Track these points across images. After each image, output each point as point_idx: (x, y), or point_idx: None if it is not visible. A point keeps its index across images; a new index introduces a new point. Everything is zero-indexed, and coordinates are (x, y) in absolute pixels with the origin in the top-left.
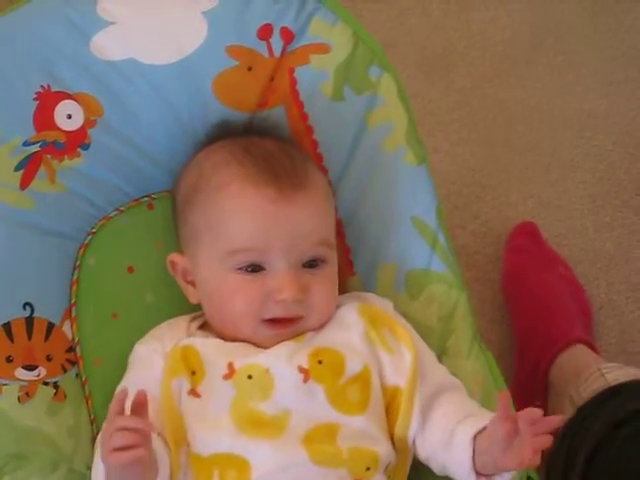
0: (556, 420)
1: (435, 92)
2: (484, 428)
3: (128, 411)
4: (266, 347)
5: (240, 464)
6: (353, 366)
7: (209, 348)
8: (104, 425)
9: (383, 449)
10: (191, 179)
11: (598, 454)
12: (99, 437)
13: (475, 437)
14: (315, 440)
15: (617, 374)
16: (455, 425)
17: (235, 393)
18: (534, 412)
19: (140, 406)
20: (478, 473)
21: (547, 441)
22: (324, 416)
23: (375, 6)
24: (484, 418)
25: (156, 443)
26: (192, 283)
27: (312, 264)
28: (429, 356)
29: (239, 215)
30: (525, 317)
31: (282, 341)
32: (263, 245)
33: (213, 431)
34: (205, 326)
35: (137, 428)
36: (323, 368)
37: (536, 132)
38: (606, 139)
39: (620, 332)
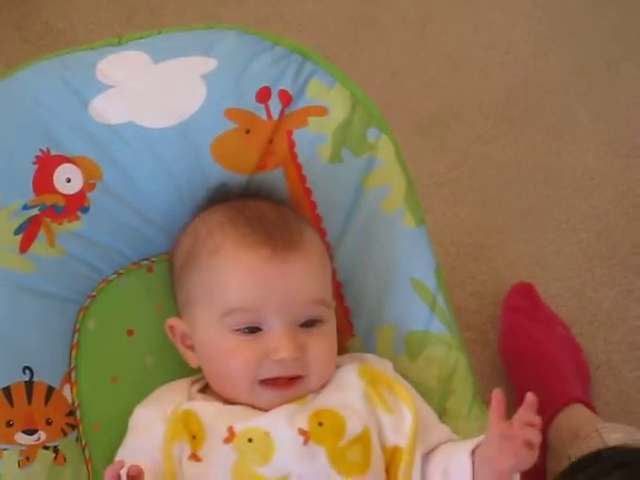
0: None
1: (431, 153)
2: (478, 446)
3: None
4: (266, 410)
5: None
6: (353, 427)
7: (209, 412)
8: None
9: None
10: (187, 244)
11: None
12: None
13: (473, 453)
14: None
15: (615, 434)
16: (451, 453)
17: (236, 457)
18: (525, 410)
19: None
20: None
21: (535, 433)
22: (325, 478)
23: (369, 68)
24: (479, 438)
25: None
26: (191, 347)
27: (309, 324)
28: (430, 416)
29: (233, 275)
30: (523, 377)
31: (282, 403)
32: (258, 304)
33: None
34: (206, 389)
35: None
36: (323, 430)
37: (532, 192)
38: (602, 199)
39: (618, 392)
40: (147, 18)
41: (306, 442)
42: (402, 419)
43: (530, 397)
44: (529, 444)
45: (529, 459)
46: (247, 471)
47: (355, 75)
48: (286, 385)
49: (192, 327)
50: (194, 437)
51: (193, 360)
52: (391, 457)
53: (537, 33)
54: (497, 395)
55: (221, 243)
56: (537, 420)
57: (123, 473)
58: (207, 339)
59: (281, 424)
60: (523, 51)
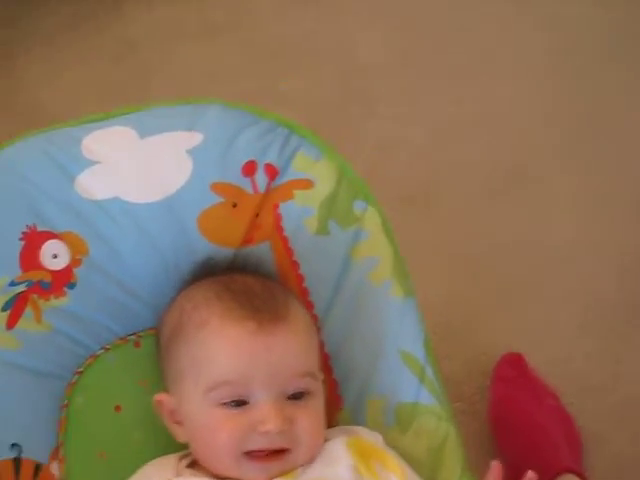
0: None
1: (417, 224)
2: None
3: None
4: None
5: None
6: None
7: None
8: None
9: None
10: (173, 319)
11: None
12: None
13: None
14: None
15: None
16: None
17: None
18: None
19: None
20: None
21: None
22: None
23: (356, 139)
24: None
25: None
26: (179, 423)
27: (297, 396)
28: None
29: (219, 349)
30: (513, 448)
31: (271, 477)
32: (244, 377)
33: None
34: (194, 465)
35: None
36: None
37: (521, 263)
38: (592, 268)
39: (610, 462)
40: (134, 93)
41: None
42: None
43: (530, 475)
44: None
45: None
46: None
47: (341, 147)
48: (273, 458)
49: (179, 402)
50: None
51: (181, 435)
52: None
53: (519, 104)
54: (496, 468)
55: (207, 318)
56: None
57: None
58: (194, 413)
59: None
60: (507, 124)
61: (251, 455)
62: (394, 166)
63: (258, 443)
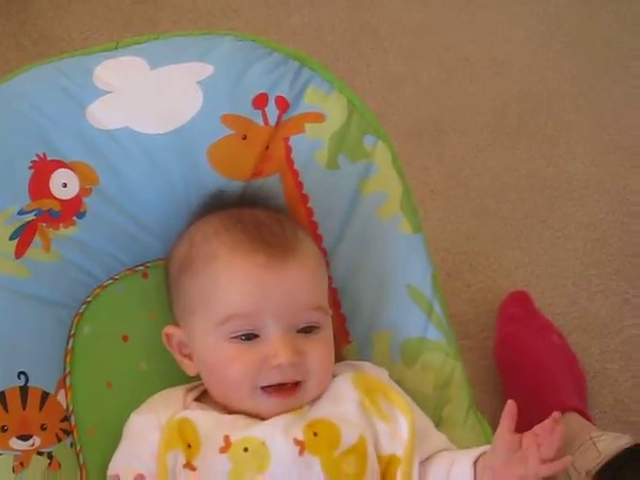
0: (558, 434)
1: (426, 161)
2: (483, 453)
3: None
4: (266, 418)
5: None
6: (349, 437)
7: (205, 421)
8: None
9: None
10: (182, 251)
11: None
12: None
13: (475, 463)
14: None
15: (609, 443)
16: (452, 461)
17: (231, 466)
18: (540, 429)
19: None
20: None
21: (551, 451)
22: None
23: (366, 75)
24: (481, 448)
25: None
26: (188, 356)
27: (307, 330)
28: (427, 423)
29: (230, 283)
30: (518, 386)
31: (284, 411)
32: (255, 311)
33: None
34: (201, 398)
35: None
36: (319, 440)
37: (528, 201)
38: (598, 207)
39: (614, 401)
40: (143, 26)
41: (301, 452)
42: (398, 428)
43: (555, 415)
44: (543, 460)
45: (540, 472)
46: None
47: (351, 83)
48: (287, 391)
49: (189, 335)
50: (189, 446)
51: (191, 369)
52: (387, 466)
53: (534, 43)
54: (510, 407)
55: (217, 250)
56: (554, 441)
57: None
58: (205, 347)
59: (277, 434)
60: (519, 61)
61: (266, 390)
62: (403, 102)
63: (271, 378)
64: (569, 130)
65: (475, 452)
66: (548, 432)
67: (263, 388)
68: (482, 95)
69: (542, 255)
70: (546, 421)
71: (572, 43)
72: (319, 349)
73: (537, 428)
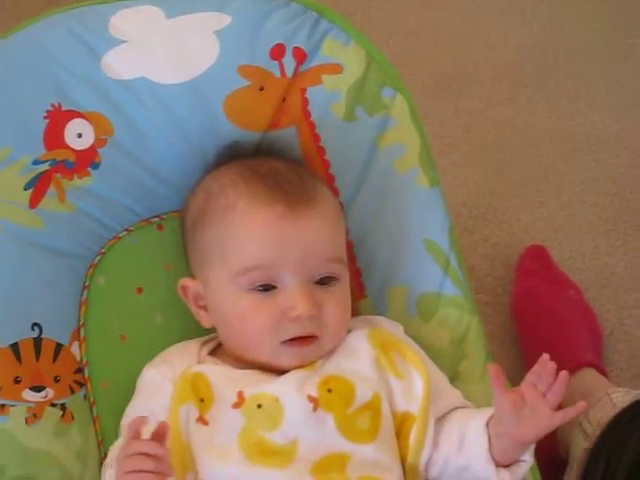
0: (563, 375)
1: (444, 114)
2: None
3: (146, 436)
4: (281, 371)
5: None
6: (363, 394)
7: (219, 376)
8: (117, 443)
9: (393, 477)
10: (199, 202)
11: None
12: (106, 460)
13: (487, 425)
14: (324, 469)
15: (625, 399)
16: (466, 424)
17: (244, 422)
18: (533, 375)
19: (160, 437)
20: (497, 464)
21: (559, 393)
22: (334, 445)
23: (384, 27)
24: (492, 409)
25: None
26: (204, 308)
27: (324, 281)
28: (442, 380)
29: (248, 233)
30: (534, 340)
31: (301, 362)
32: (273, 262)
33: (221, 459)
34: (215, 352)
35: (156, 454)
36: (332, 397)
37: (546, 155)
38: (617, 162)
39: (630, 357)
40: None
41: (315, 409)
42: (412, 385)
43: (544, 357)
44: (554, 407)
45: (554, 421)
46: (255, 436)
47: (369, 35)
48: (305, 343)
49: (205, 287)
50: (202, 400)
51: (206, 320)
52: (401, 423)
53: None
54: (493, 369)
55: (234, 201)
56: (556, 387)
57: (146, 430)
58: (222, 299)
59: (291, 390)
60: (540, 15)
61: (285, 342)
62: (421, 55)
63: (291, 331)
64: (589, 85)
65: (487, 413)
66: (546, 376)
67: (283, 342)
68: (501, 48)
69: (560, 210)
70: (535, 366)
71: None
72: (336, 302)
73: (529, 376)
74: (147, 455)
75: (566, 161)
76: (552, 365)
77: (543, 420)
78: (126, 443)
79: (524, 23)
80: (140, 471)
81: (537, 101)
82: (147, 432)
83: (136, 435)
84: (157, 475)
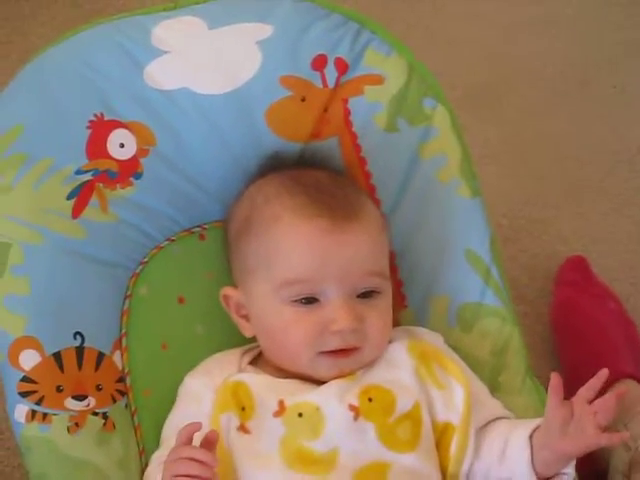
0: (613, 398)
1: (484, 124)
2: (538, 427)
3: (196, 443)
4: (322, 380)
5: None
6: (404, 404)
7: (260, 385)
8: (157, 453)
9: None
10: (243, 212)
11: None
12: (147, 469)
13: (531, 437)
14: (365, 478)
15: None
16: (508, 435)
17: (285, 431)
18: (588, 391)
19: (210, 444)
20: (539, 476)
21: (610, 415)
22: (374, 454)
23: (424, 36)
24: (536, 420)
25: None
26: (246, 317)
27: (366, 295)
28: (482, 390)
29: (292, 247)
30: (574, 352)
31: (340, 373)
32: (317, 276)
33: (263, 468)
34: (256, 361)
35: (205, 462)
36: (373, 406)
37: (587, 166)
38: None
39: None
40: None
41: (356, 418)
42: (453, 395)
43: (604, 372)
44: (600, 427)
45: (599, 441)
46: (296, 445)
47: (409, 44)
48: (345, 354)
49: (248, 297)
50: (243, 409)
51: (248, 330)
52: (442, 434)
53: (593, 7)
54: (555, 378)
55: (280, 213)
56: (610, 408)
57: (197, 436)
58: (264, 310)
59: (332, 399)
60: (578, 24)
61: (324, 353)
62: (461, 64)
63: (331, 343)
64: (630, 96)
65: (531, 424)
66: (603, 399)
67: (322, 353)
68: (542, 58)
69: (599, 221)
70: (592, 379)
71: (630, 8)
72: (378, 315)
73: (583, 391)
74: (196, 460)
75: (606, 172)
76: (618, 393)
77: (589, 438)
78: (176, 447)
79: (565, 33)
80: (187, 476)
81: (577, 111)
82: (197, 438)
83: (188, 441)
84: None
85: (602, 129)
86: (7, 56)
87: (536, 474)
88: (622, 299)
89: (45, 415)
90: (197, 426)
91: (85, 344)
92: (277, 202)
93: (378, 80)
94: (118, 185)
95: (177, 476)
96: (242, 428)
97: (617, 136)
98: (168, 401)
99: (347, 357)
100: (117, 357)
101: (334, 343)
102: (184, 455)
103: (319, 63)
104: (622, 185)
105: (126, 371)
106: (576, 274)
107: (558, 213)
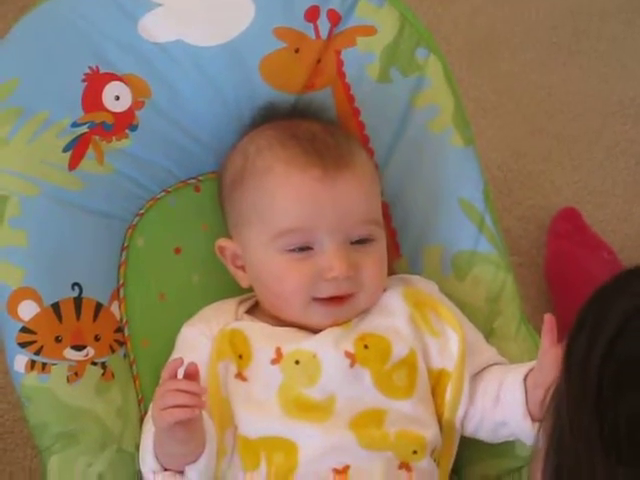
0: None
1: (478, 78)
2: (531, 370)
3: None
4: (316, 329)
5: (288, 446)
6: (399, 350)
7: (257, 333)
8: (157, 389)
9: (430, 433)
10: (236, 164)
11: (622, 336)
12: (146, 417)
13: (525, 380)
14: (362, 424)
15: None
16: (502, 379)
17: (282, 378)
18: None
19: (191, 376)
20: (533, 419)
21: None
22: (371, 400)
23: None
24: (530, 364)
25: (206, 420)
26: (242, 268)
27: (361, 242)
28: (477, 337)
29: (285, 196)
30: (568, 301)
31: (334, 321)
32: (310, 224)
33: (260, 414)
34: (252, 310)
35: (190, 390)
36: (369, 353)
37: (580, 118)
38: None
39: None
40: None
41: (352, 364)
42: (448, 342)
43: (549, 320)
44: None
45: None
46: (293, 392)
47: (402, 0)
48: (339, 302)
49: (243, 248)
50: (240, 356)
51: (244, 280)
52: (437, 380)
53: None
54: (549, 321)
55: (272, 163)
56: None
57: (181, 371)
58: (259, 260)
59: (328, 347)
60: None
61: (319, 301)
62: (455, 18)
63: (326, 290)
64: (621, 48)
65: (524, 368)
66: None
67: (316, 299)
68: (535, 12)
69: (593, 172)
70: None
71: None
72: (372, 262)
73: None
74: (182, 391)
75: (599, 124)
76: None
77: None
78: (161, 382)
79: None
80: (177, 406)
81: (570, 64)
82: (180, 373)
83: (172, 376)
84: (191, 408)
85: (595, 81)
86: (4, 16)
87: (530, 415)
88: (616, 250)
89: (44, 365)
90: (179, 362)
91: (83, 295)
92: (269, 153)
93: (370, 31)
94: (114, 137)
95: (165, 409)
96: (239, 376)
97: (610, 88)
98: (166, 350)
99: (341, 305)
100: (115, 307)
101: (328, 290)
102: (171, 388)
103: (312, 14)
104: (615, 137)
105: (124, 321)
106: (569, 225)
107: (552, 165)
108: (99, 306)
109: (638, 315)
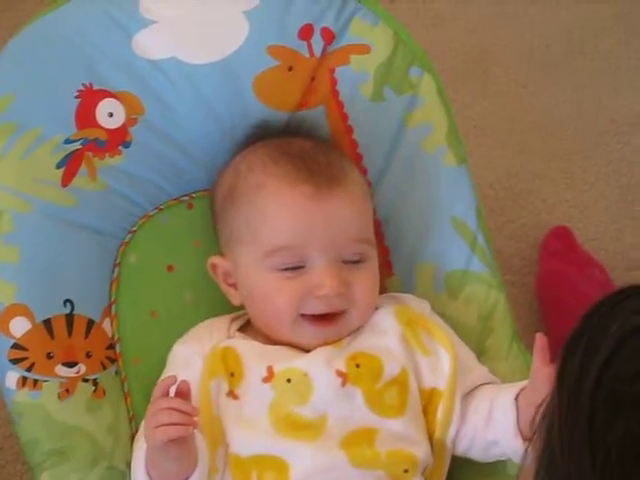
0: None
1: (471, 96)
2: (523, 389)
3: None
4: (307, 348)
5: (279, 465)
6: (391, 369)
7: (249, 351)
8: (148, 407)
9: (421, 451)
10: (228, 181)
11: (618, 355)
12: (137, 434)
13: (516, 399)
14: (353, 443)
15: None
16: (494, 398)
17: (274, 396)
18: None
19: (183, 395)
20: (525, 439)
21: None
22: (362, 419)
23: (411, 10)
24: (521, 383)
25: (198, 437)
26: (234, 285)
27: (352, 261)
28: (469, 356)
29: (276, 214)
30: (560, 320)
31: (325, 341)
32: (302, 242)
33: (252, 433)
34: (245, 328)
35: (182, 409)
36: (361, 372)
37: (572, 137)
38: None
39: None
40: None
41: (344, 383)
42: (439, 361)
43: (540, 339)
44: None
45: None
46: (284, 410)
47: (396, 18)
48: (329, 322)
49: (235, 266)
50: (232, 374)
51: (236, 298)
52: (428, 399)
53: None
54: (540, 340)
55: (264, 181)
56: None
57: (172, 389)
58: (251, 278)
59: (320, 365)
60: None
61: (308, 318)
62: (449, 37)
63: (315, 307)
64: (614, 67)
65: (516, 387)
66: None
67: (305, 316)
68: (528, 31)
69: (586, 191)
70: None
71: None
72: (364, 280)
73: None
74: (173, 409)
75: (591, 143)
76: None
77: None
78: (153, 400)
79: (550, 7)
80: (170, 424)
81: (563, 83)
82: (172, 392)
83: (165, 394)
84: (183, 427)
85: (588, 100)
86: None
87: (521, 434)
88: (608, 269)
89: (36, 381)
90: (172, 380)
91: (75, 311)
92: (261, 171)
93: (364, 49)
94: (107, 154)
95: (157, 427)
96: (231, 394)
97: (602, 107)
98: (157, 368)
99: (332, 325)
100: (107, 324)
101: (318, 307)
102: (163, 406)
103: (306, 33)
104: (608, 156)
105: (116, 338)
106: (561, 243)
107: (545, 184)
108: (91, 323)
109: (634, 334)
